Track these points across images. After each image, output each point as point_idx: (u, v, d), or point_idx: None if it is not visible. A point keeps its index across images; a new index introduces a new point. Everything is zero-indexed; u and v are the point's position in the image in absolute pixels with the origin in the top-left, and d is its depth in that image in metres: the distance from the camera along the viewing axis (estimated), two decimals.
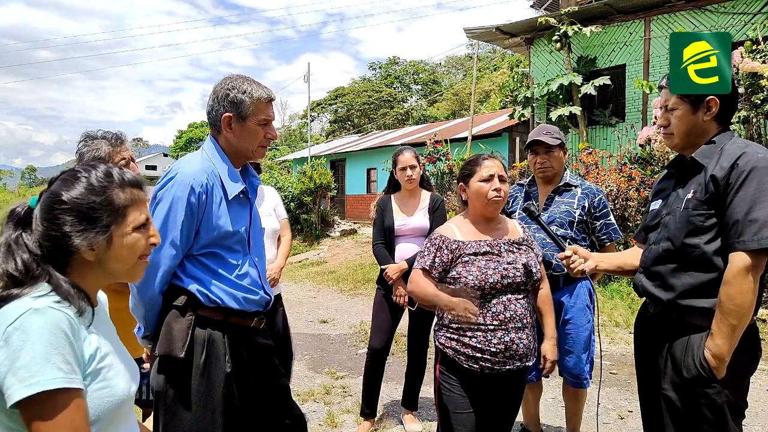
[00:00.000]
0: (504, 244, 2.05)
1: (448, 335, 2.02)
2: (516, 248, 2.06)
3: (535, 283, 2.09)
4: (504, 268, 1.97)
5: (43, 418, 0.94)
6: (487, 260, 1.98)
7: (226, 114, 1.80)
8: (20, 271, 1.04)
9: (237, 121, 1.81)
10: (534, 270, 2.03)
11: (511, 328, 1.95)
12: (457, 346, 1.98)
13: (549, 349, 2.11)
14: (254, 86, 1.82)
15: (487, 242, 2.03)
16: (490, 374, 1.97)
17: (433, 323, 2.17)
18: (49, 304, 1.01)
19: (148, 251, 1.21)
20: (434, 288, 2.00)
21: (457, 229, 2.09)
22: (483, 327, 1.95)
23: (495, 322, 1.94)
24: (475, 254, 1.99)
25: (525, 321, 1.99)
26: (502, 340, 1.94)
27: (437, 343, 2.08)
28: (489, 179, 2.04)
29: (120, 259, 1.15)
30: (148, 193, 1.30)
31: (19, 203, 1.13)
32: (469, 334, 1.96)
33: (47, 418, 0.94)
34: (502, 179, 2.06)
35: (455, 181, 2.44)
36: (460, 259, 1.99)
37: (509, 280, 1.96)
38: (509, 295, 1.97)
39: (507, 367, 1.96)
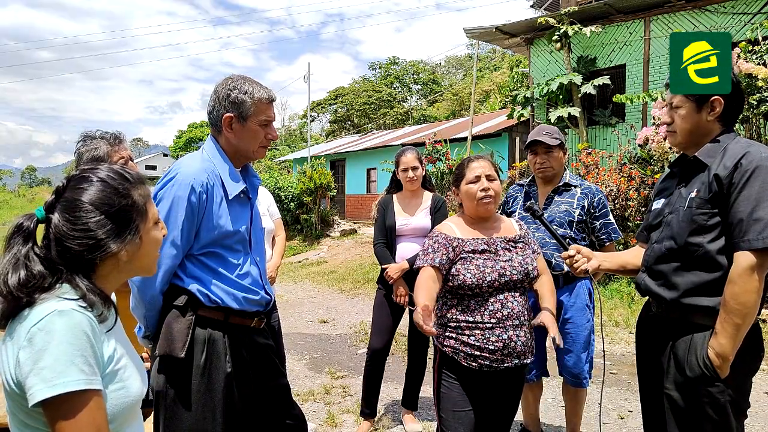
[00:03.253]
0: (500, 242, 2.05)
1: (447, 334, 2.03)
2: (512, 246, 2.07)
3: (532, 281, 2.09)
4: (501, 267, 1.98)
5: (66, 418, 0.97)
6: (484, 258, 1.99)
7: (227, 114, 1.80)
8: (29, 285, 1.04)
9: (238, 121, 1.81)
10: (530, 268, 2.04)
11: (509, 325, 1.96)
12: (456, 345, 1.99)
13: (548, 319, 1.96)
14: (255, 87, 1.82)
15: (484, 240, 2.04)
16: (489, 372, 1.98)
17: (432, 322, 2.17)
18: (73, 306, 1.03)
19: (160, 243, 1.25)
20: (425, 296, 1.90)
21: (456, 227, 2.10)
22: (481, 325, 1.96)
23: (492, 320, 1.95)
24: (473, 252, 2.00)
25: (522, 318, 2.00)
26: (500, 337, 1.95)
27: (436, 342, 2.08)
28: (476, 180, 2.06)
29: (147, 255, 1.19)
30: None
31: (23, 216, 1.11)
32: (467, 332, 1.97)
33: (70, 418, 0.97)
34: (490, 178, 2.07)
35: None
36: (459, 257, 2.00)
37: (506, 279, 1.97)
38: (506, 293, 1.98)
39: (505, 364, 1.97)
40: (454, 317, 2.01)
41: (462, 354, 1.98)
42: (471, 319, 1.97)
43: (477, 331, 1.96)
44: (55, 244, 1.07)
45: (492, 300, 1.96)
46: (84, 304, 1.04)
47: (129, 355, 1.17)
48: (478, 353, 1.95)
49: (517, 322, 1.98)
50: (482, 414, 2.05)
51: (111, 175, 1.15)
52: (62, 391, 0.95)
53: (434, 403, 2.12)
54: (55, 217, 1.08)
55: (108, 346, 1.08)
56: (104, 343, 1.07)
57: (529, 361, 2.05)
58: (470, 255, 2.00)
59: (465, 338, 1.97)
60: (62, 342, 0.97)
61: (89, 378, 0.99)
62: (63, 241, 1.07)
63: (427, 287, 1.95)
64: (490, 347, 1.94)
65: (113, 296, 1.33)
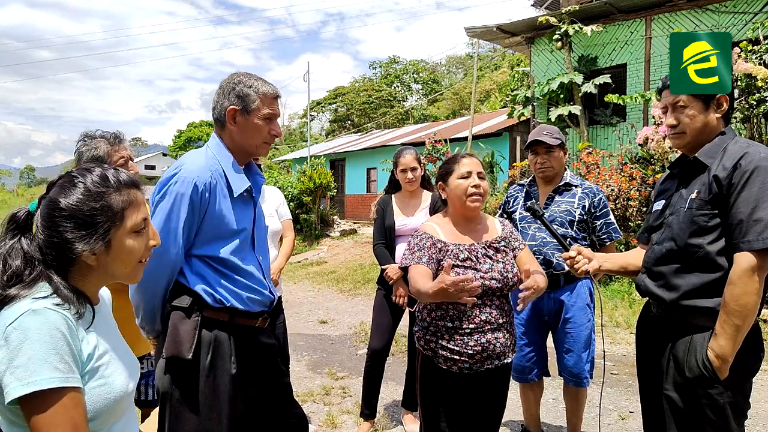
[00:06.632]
0: (482, 248, 2.03)
1: (427, 338, 2.02)
2: (494, 252, 2.04)
3: (512, 288, 2.05)
4: (481, 277, 1.96)
5: (41, 416, 0.98)
6: (465, 268, 1.96)
7: (231, 107, 1.80)
8: (8, 278, 1.05)
9: (242, 114, 1.80)
10: (510, 275, 2.01)
11: (488, 329, 1.96)
12: (436, 348, 1.99)
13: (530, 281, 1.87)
14: (261, 82, 1.83)
15: (466, 246, 2.01)
16: (469, 375, 1.98)
17: (415, 325, 2.15)
18: (48, 305, 1.03)
19: (147, 254, 1.22)
20: (425, 281, 1.90)
21: (439, 228, 2.08)
22: (460, 331, 1.95)
23: (471, 326, 1.95)
24: (455, 258, 1.98)
25: (501, 321, 1.99)
26: (479, 342, 1.95)
27: (417, 345, 2.08)
28: (467, 176, 2.05)
29: (120, 262, 1.16)
30: (146, 193, 1.30)
31: (20, 208, 1.14)
32: (446, 337, 1.96)
33: (46, 416, 0.98)
34: (480, 176, 2.06)
35: None
36: (443, 262, 1.98)
37: (485, 288, 1.96)
38: (484, 299, 1.97)
39: (486, 366, 1.97)
40: (434, 322, 2.00)
41: (441, 358, 1.98)
42: (450, 324, 1.96)
43: (456, 336, 1.95)
44: (34, 238, 1.10)
45: (471, 306, 1.95)
46: (58, 302, 1.05)
47: (115, 350, 1.17)
48: (457, 357, 1.95)
49: (495, 326, 1.97)
50: (466, 415, 2.05)
51: (93, 178, 1.13)
52: (35, 389, 0.96)
53: (418, 405, 2.11)
54: (37, 213, 1.11)
55: (88, 344, 1.08)
56: (83, 341, 1.08)
57: (509, 360, 2.05)
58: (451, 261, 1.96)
59: (444, 342, 1.96)
60: (36, 341, 0.98)
61: (65, 376, 0.99)
62: (40, 237, 1.09)
63: (423, 277, 1.92)
64: (469, 351, 1.94)
65: (107, 293, 1.32)
